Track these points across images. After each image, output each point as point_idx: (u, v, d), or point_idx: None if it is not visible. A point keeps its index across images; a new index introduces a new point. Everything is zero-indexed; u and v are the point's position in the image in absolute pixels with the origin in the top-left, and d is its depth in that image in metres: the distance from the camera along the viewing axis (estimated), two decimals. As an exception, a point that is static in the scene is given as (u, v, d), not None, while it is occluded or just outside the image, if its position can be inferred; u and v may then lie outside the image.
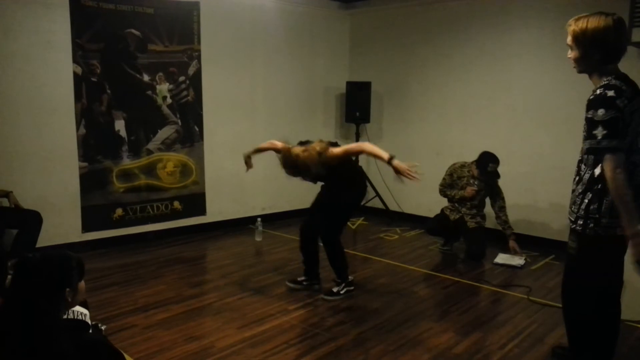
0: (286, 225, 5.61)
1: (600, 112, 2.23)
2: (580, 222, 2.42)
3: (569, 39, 2.37)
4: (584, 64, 2.38)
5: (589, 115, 2.27)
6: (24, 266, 1.85)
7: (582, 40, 2.32)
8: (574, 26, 2.34)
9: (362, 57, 6.66)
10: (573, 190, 2.53)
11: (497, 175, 4.72)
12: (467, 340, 3.10)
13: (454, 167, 4.92)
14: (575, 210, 2.45)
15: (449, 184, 4.89)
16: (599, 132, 2.23)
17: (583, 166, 2.45)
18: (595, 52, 2.31)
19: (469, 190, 4.72)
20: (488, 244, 4.82)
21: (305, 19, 6.23)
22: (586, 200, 2.39)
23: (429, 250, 5.03)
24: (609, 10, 2.33)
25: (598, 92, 2.28)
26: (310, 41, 6.28)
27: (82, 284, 1.98)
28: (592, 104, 2.27)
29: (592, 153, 2.31)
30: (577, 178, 2.49)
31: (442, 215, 4.92)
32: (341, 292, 3.76)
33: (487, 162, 4.69)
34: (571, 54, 2.40)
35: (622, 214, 2.24)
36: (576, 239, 2.47)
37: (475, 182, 4.77)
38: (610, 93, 2.23)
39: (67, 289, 1.90)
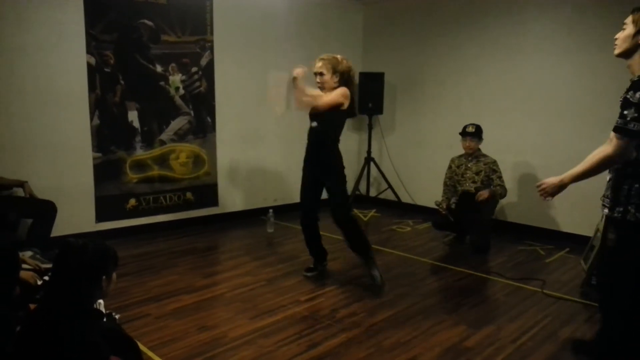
0: (298, 217, 5.59)
1: (638, 94, 2.20)
2: (619, 209, 2.37)
3: (630, 19, 2.33)
4: (628, 44, 2.32)
5: (627, 96, 2.24)
6: (67, 249, 1.88)
7: None
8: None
9: (375, 48, 6.61)
10: (609, 180, 2.48)
11: (478, 136, 4.79)
12: (479, 333, 3.08)
13: (452, 158, 5.04)
14: (612, 197, 2.40)
15: (450, 176, 4.97)
16: (630, 113, 2.22)
17: None
18: None
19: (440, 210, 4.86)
20: (493, 235, 4.83)
21: (318, 10, 6.19)
22: (625, 187, 2.34)
23: (442, 243, 5.01)
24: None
25: None
26: (323, 32, 6.23)
27: (114, 275, 2.01)
28: (634, 85, 2.24)
29: (617, 132, 2.28)
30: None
31: (448, 208, 4.90)
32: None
33: (466, 126, 4.84)
34: (622, 33, 2.34)
35: (579, 171, 2.42)
36: (615, 228, 2.42)
37: (471, 163, 4.83)
38: None
39: (104, 277, 1.93)
